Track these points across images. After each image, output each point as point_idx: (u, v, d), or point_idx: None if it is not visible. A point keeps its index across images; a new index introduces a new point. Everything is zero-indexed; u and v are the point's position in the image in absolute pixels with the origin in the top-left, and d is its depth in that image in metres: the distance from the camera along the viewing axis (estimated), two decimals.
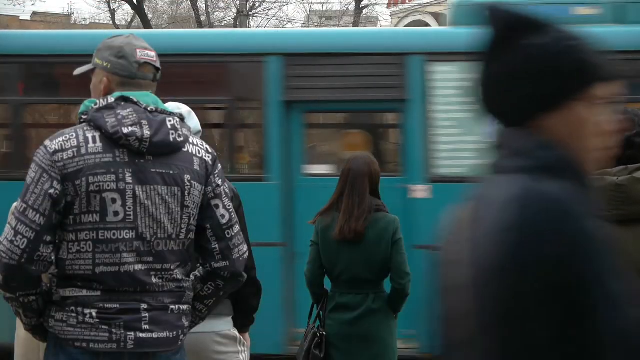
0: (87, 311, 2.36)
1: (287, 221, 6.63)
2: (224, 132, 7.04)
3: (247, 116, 7.37)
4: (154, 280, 2.42)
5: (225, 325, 3.40)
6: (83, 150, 2.38)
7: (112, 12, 28.44)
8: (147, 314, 2.39)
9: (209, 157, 2.57)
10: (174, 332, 2.45)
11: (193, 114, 3.36)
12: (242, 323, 3.51)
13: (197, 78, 7.07)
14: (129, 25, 28.91)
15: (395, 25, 28.68)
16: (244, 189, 6.98)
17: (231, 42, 7.08)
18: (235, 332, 3.45)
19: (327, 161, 7.42)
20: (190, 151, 2.52)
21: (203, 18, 24.64)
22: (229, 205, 2.59)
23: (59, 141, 2.40)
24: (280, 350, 6.62)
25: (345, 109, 7.30)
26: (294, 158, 6.71)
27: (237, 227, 2.60)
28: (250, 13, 24.91)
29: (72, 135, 2.40)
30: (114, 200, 2.37)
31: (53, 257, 2.38)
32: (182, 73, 6.97)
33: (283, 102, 6.66)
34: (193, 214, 2.51)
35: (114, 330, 2.35)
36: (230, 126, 6.91)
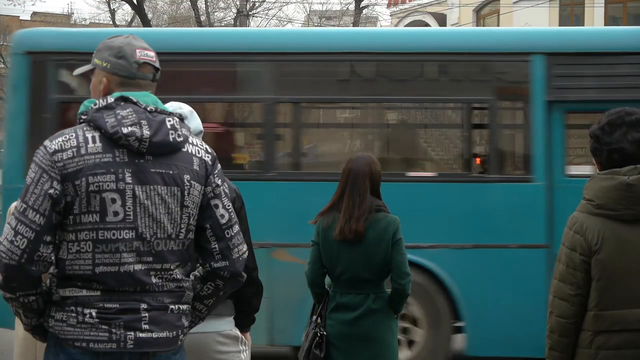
0: (86, 311, 2.36)
1: (550, 223, 6.53)
2: (485, 133, 6.93)
3: (510, 116, 7.24)
4: (153, 280, 2.42)
5: (226, 325, 3.41)
6: (83, 151, 2.38)
7: (112, 12, 28.49)
8: (146, 314, 2.39)
9: (208, 157, 2.58)
10: (174, 332, 2.46)
11: (195, 114, 3.36)
12: (243, 323, 3.51)
13: (456, 77, 6.99)
14: (129, 25, 28.94)
15: (395, 25, 28.67)
16: (507, 190, 6.91)
17: (495, 41, 7.01)
18: (237, 332, 3.46)
19: (588, 162, 7.33)
20: (189, 151, 2.52)
21: (203, 18, 24.66)
22: (229, 205, 2.59)
23: (59, 141, 2.40)
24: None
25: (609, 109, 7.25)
26: (556, 159, 6.60)
27: (236, 227, 2.60)
28: (250, 13, 24.94)
29: (72, 136, 2.40)
30: (113, 200, 2.37)
31: (53, 257, 2.38)
32: (441, 71, 6.96)
33: (546, 101, 6.58)
34: (193, 214, 2.51)
35: (113, 330, 2.35)
36: (492, 126, 6.76)
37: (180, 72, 7.08)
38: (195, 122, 3.31)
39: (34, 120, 6.84)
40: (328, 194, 6.67)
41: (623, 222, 2.83)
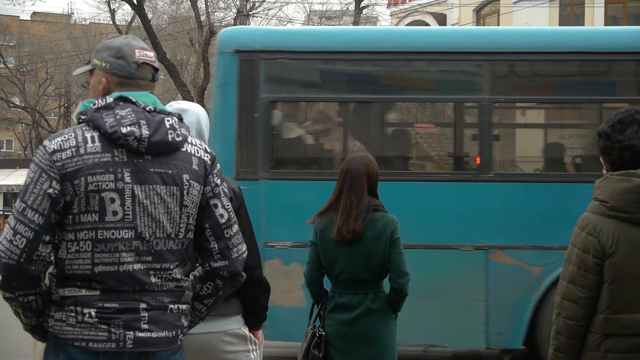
0: (86, 311, 2.36)
1: None
2: None
3: None
4: (153, 279, 2.42)
5: (233, 324, 3.38)
6: (82, 150, 2.38)
7: (112, 12, 28.47)
8: (146, 314, 2.40)
9: (207, 156, 2.58)
10: (173, 332, 2.46)
11: (190, 112, 3.33)
12: (252, 322, 3.49)
13: None
14: (129, 25, 28.92)
15: (396, 25, 28.64)
16: None
17: None
18: (245, 331, 3.43)
19: None
20: (188, 151, 2.53)
21: (203, 18, 24.63)
22: (228, 205, 2.59)
23: (58, 141, 2.40)
24: None
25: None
26: None
27: (235, 227, 2.60)
28: (250, 13, 24.92)
29: (71, 135, 2.41)
30: (112, 200, 2.38)
31: (52, 257, 2.38)
32: None
33: None
34: (192, 214, 2.51)
35: (113, 330, 2.35)
36: None
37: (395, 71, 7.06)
38: (190, 120, 3.28)
39: (243, 120, 6.67)
40: (547, 195, 6.61)
41: (637, 225, 2.80)
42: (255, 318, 3.48)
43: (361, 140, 7.45)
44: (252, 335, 3.45)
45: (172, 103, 3.37)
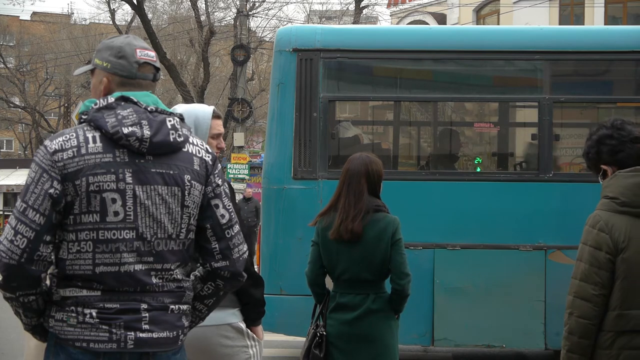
0: (87, 311, 2.36)
1: None
2: None
3: None
4: (154, 280, 2.42)
5: (229, 317, 3.36)
6: (83, 150, 2.38)
7: (112, 12, 28.45)
8: (147, 314, 2.40)
9: (208, 157, 2.58)
10: (174, 332, 2.46)
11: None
12: (251, 317, 3.47)
13: None
14: (129, 25, 28.91)
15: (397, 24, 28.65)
16: None
17: None
18: (242, 325, 3.41)
19: None
20: (190, 151, 2.53)
21: (203, 18, 24.64)
22: (229, 205, 2.59)
23: (59, 141, 2.40)
24: None
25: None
26: None
27: (236, 227, 2.60)
28: (250, 13, 24.91)
29: (72, 135, 2.41)
30: (114, 200, 2.38)
31: (52, 257, 2.38)
32: None
33: None
34: (193, 214, 2.51)
35: (114, 330, 2.35)
36: None
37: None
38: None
39: (302, 120, 6.63)
40: None
41: None
42: (253, 312, 3.46)
43: (419, 140, 7.43)
44: (249, 331, 3.43)
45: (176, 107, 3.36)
